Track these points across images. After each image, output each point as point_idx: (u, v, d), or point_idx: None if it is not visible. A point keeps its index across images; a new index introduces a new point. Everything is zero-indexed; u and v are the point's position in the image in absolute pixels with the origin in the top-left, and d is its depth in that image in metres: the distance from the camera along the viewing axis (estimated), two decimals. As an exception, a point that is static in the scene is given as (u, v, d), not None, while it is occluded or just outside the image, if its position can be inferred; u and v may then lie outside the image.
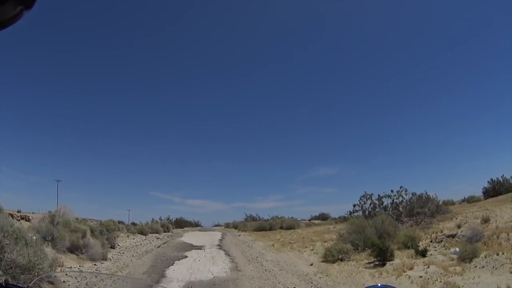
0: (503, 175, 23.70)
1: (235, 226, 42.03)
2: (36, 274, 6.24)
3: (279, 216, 43.47)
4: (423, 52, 73.94)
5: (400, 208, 18.08)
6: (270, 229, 29.94)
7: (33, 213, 29.44)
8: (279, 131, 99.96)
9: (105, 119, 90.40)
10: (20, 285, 1.61)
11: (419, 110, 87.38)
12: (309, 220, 42.68)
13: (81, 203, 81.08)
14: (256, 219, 49.13)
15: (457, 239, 11.35)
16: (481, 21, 61.17)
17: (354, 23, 76.38)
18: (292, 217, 43.36)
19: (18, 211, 26.95)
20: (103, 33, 78.23)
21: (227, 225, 49.04)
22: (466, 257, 8.50)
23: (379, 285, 1.23)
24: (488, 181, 24.52)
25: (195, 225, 66.53)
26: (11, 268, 6.23)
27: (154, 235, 26.50)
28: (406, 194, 18.42)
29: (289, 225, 30.60)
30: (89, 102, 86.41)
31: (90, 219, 36.75)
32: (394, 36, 75.31)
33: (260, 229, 30.51)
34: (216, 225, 68.72)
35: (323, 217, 42.04)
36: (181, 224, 49.56)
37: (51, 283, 6.64)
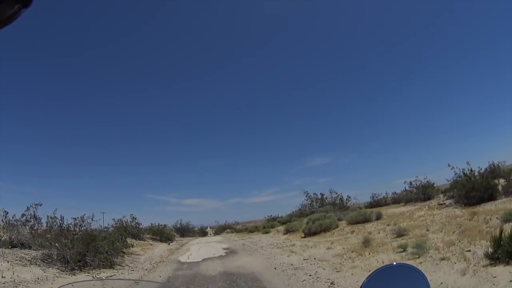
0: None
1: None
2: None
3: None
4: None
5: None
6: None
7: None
8: (271, 123, 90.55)
9: (89, 122, 79.71)
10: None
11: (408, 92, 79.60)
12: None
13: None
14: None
15: None
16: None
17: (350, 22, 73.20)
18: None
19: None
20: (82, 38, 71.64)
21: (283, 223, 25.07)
22: None
23: (394, 263, 1.10)
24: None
25: (179, 233, 35.11)
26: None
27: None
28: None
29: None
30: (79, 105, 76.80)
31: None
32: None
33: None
34: (222, 228, 44.26)
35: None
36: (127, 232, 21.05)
37: None
